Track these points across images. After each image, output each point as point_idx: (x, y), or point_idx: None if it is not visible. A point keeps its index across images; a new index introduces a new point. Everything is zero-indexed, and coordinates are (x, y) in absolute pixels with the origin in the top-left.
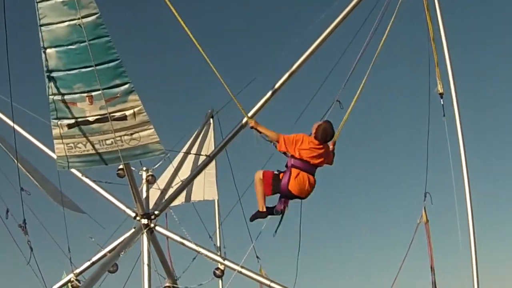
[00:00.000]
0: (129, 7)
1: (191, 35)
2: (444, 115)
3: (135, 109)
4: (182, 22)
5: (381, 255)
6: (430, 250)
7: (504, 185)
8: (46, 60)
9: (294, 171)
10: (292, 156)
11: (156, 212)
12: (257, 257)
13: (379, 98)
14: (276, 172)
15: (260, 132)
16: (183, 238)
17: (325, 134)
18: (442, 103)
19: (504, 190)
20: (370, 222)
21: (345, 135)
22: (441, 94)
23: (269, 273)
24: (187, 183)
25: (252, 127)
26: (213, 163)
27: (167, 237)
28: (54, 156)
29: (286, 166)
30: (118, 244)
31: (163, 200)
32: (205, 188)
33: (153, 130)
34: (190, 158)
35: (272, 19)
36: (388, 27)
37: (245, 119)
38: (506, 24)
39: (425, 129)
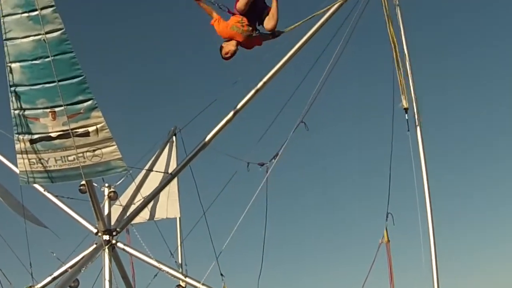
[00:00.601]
0: (92, 20)
1: None
2: (408, 130)
3: (98, 126)
4: None
5: (345, 274)
6: (390, 270)
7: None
8: (10, 74)
9: None
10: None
11: (117, 229)
12: (221, 274)
13: (341, 116)
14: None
15: (201, 6)
16: (145, 255)
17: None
18: (406, 118)
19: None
20: (334, 241)
21: (308, 151)
22: (405, 109)
23: None
24: (149, 200)
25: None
26: (175, 181)
27: (129, 253)
28: (17, 170)
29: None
30: (79, 260)
31: (125, 217)
32: (168, 206)
33: (115, 146)
34: (153, 175)
35: None
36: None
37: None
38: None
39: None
